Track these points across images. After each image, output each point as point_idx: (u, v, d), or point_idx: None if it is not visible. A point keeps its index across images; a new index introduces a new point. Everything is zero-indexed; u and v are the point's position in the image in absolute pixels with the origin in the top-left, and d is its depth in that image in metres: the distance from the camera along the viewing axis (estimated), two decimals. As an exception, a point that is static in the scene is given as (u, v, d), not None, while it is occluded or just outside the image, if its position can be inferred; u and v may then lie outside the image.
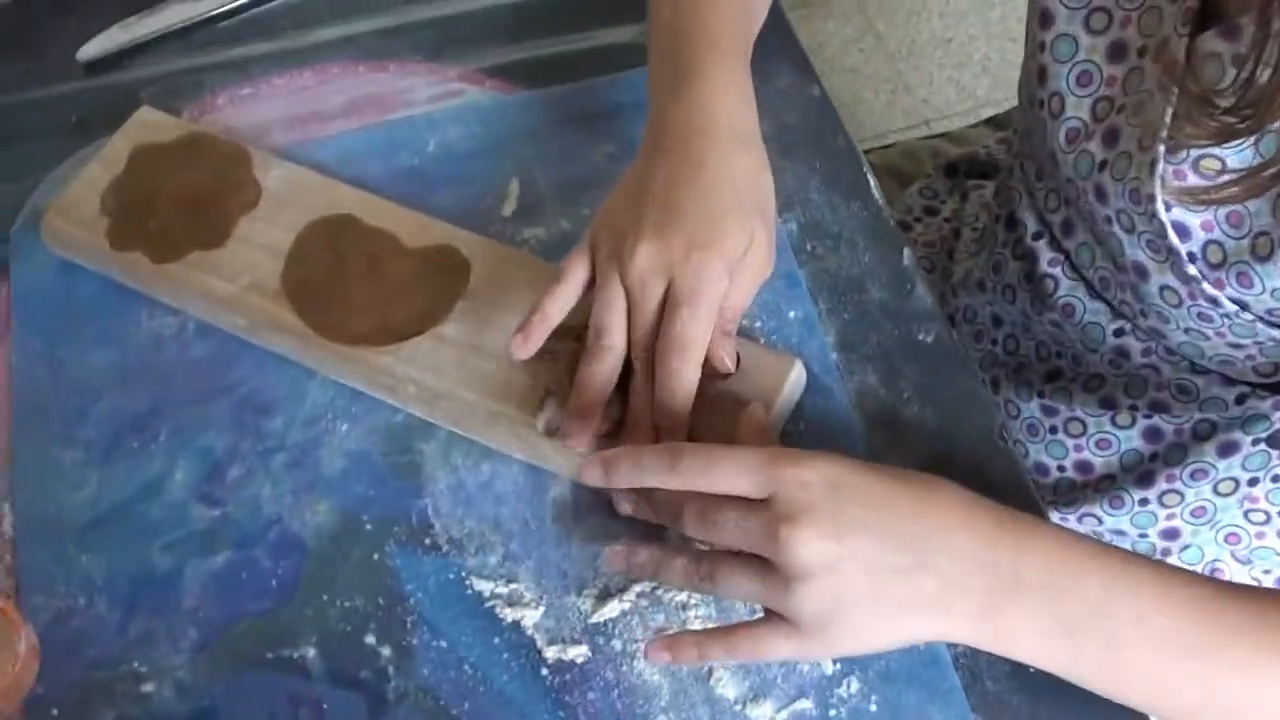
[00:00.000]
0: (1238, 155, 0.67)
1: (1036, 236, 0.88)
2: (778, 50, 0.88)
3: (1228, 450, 0.84)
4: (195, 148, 0.83)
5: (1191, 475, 0.86)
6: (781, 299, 0.78)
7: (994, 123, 1.24)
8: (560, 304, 0.71)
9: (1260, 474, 0.85)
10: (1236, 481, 0.85)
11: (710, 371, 0.70)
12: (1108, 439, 0.90)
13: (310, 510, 0.73)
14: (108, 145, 0.83)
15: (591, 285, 0.72)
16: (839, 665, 0.67)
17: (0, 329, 0.80)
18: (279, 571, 0.71)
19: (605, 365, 0.70)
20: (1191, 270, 0.71)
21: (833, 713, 0.66)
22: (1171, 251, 0.72)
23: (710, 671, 0.67)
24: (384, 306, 0.76)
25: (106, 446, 0.76)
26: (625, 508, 0.70)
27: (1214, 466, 0.85)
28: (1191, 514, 0.88)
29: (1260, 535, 0.88)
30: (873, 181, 0.82)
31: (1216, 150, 0.68)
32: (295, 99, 0.88)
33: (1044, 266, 0.87)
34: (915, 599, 0.60)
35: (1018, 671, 0.67)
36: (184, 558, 0.72)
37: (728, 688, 0.67)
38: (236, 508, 0.73)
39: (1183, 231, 0.71)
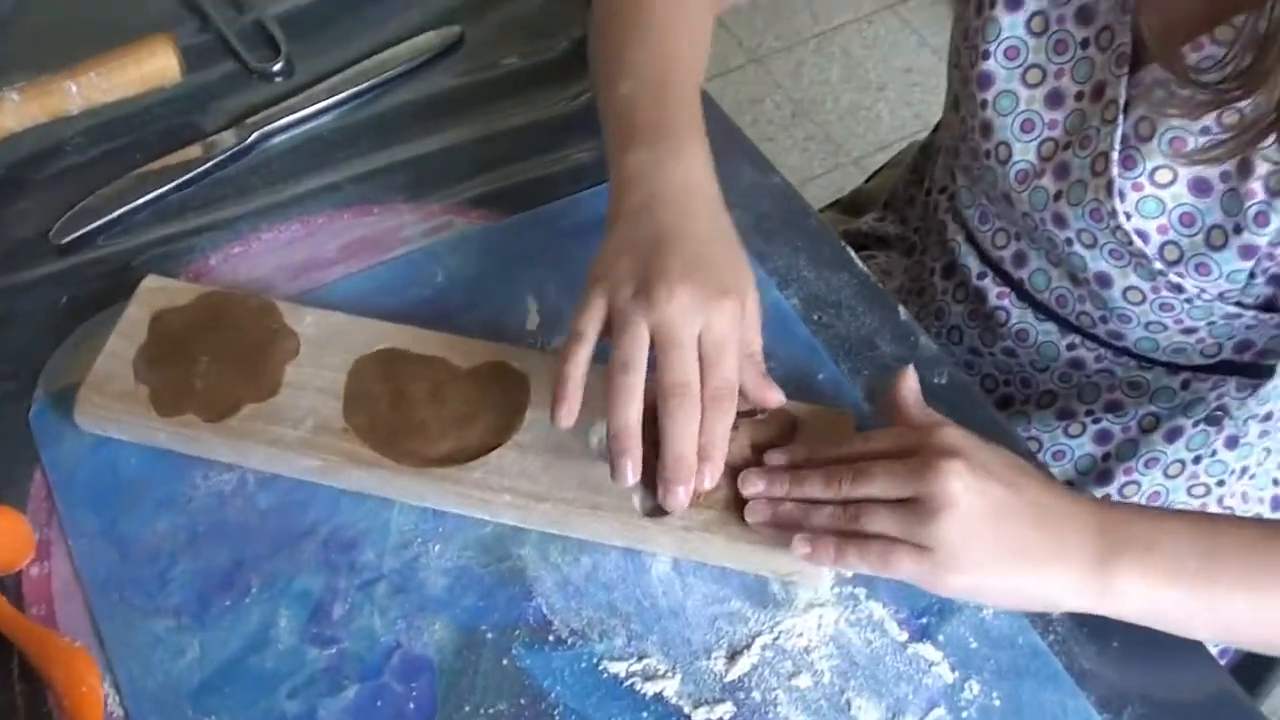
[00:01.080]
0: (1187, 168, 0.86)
1: (981, 276, 1.04)
2: (734, 150, 1.02)
3: (1173, 436, 1.03)
4: (218, 306, 0.89)
5: (1145, 465, 1.04)
6: (806, 365, 0.91)
7: (838, 206, 1.42)
8: (582, 362, 0.80)
9: (1202, 452, 1.03)
10: (1183, 463, 1.03)
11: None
12: (1062, 450, 1.06)
13: (427, 630, 0.80)
14: (123, 317, 0.88)
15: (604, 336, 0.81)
16: (957, 673, 0.79)
17: (42, 514, 0.83)
18: (414, 694, 0.78)
19: (638, 403, 0.78)
20: (1158, 265, 0.88)
21: (965, 714, 0.77)
22: (1135, 254, 0.89)
23: (849, 702, 0.78)
24: (459, 428, 0.84)
25: (197, 609, 0.80)
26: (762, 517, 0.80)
27: (1163, 453, 1.03)
28: (1147, 500, 1.05)
29: (1204, 508, 1.06)
30: (851, 252, 0.96)
31: (1167, 162, 0.86)
32: (289, 251, 0.96)
33: (992, 301, 1.03)
34: (1032, 550, 0.75)
35: (1103, 650, 0.80)
36: (313, 699, 0.77)
37: (868, 713, 0.77)
38: (352, 641, 0.79)
39: (1143, 237, 0.88)
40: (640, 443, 0.78)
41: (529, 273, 0.95)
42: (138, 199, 0.97)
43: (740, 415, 0.84)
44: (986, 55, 0.94)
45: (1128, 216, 0.89)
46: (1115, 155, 0.89)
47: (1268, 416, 1.05)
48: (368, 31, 1.11)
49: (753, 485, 0.81)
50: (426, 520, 0.84)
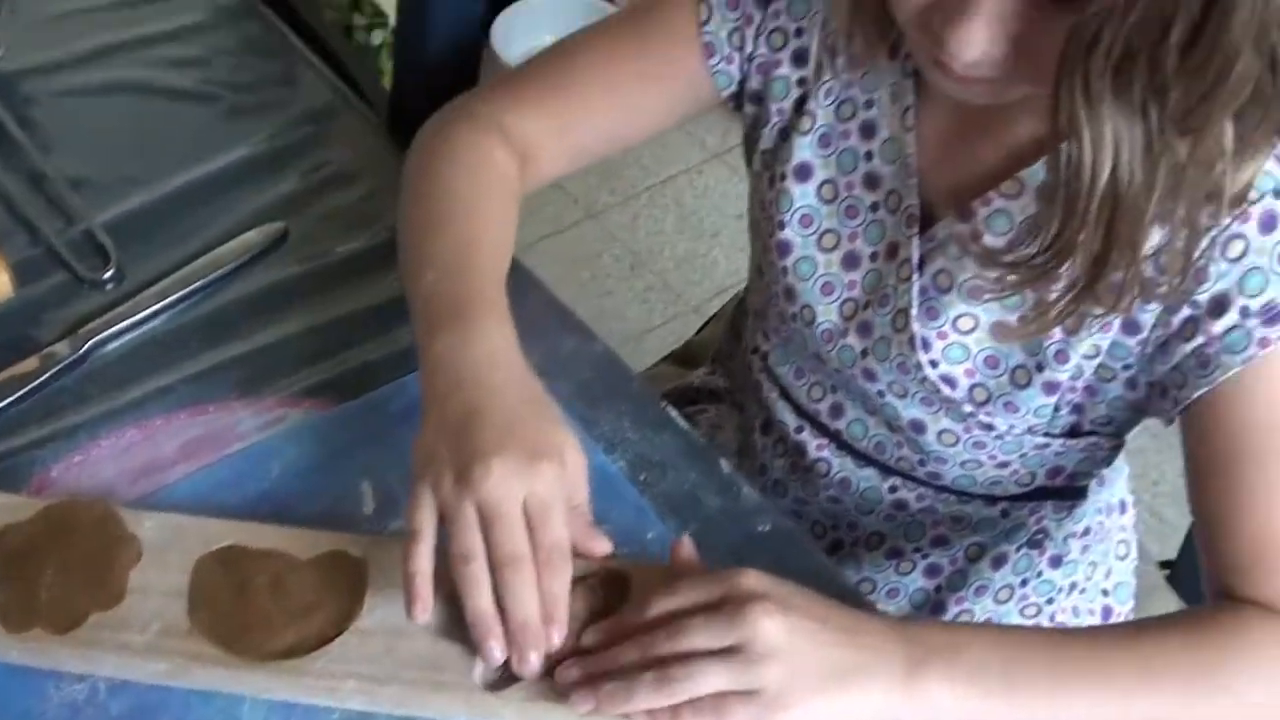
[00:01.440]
0: (985, 309, 0.91)
1: (799, 430, 1.09)
2: (554, 321, 1.08)
3: (999, 562, 1.08)
4: (60, 517, 0.91)
5: (975, 593, 1.09)
6: (635, 526, 0.96)
7: (672, 358, 1.47)
8: (426, 557, 0.83)
9: (1028, 574, 1.09)
10: (1011, 587, 1.09)
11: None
12: (895, 587, 1.11)
13: (283, 821, 0.82)
14: (-33, 538, 0.90)
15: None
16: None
17: (-109, 743, 0.84)
18: None
19: (486, 588, 0.82)
20: (968, 408, 0.94)
21: None
22: (945, 400, 0.94)
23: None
24: (302, 618, 0.87)
25: (53, 825, 0.82)
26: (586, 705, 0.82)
27: (991, 579, 1.09)
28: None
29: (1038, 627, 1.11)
30: (673, 412, 1.01)
31: (969, 310, 0.92)
32: (128, 456, 0.99)
33: (812, 454, 1.09)
34: (850, 669, 0.79)
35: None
36: None
37: None
38: (210, 841, 0.81)
39: (951, 383, 0.94)
40: (499, 621, 0.81)
41: (362, 458, 0.99)
42: (-25, 417, 1.00)
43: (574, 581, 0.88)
44: (783, 225, 1.01)
45: (934, 365, 0.95)
46: (914, 311, 0.95)
47: (1086, 532, 1.12)
48: (195, 233, 1.15)
49: (567, 674, 0.82)
50: (277, 712, 0.86)
